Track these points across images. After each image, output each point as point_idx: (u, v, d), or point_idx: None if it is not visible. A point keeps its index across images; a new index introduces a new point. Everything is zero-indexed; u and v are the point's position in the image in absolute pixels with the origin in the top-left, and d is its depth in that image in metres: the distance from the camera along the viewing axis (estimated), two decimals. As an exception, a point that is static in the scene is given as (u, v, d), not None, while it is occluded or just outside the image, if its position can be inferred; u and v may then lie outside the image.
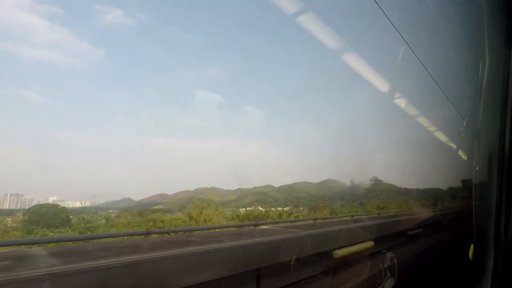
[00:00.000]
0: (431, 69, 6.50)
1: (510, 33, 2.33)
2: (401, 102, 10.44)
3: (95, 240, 6.06)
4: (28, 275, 2.55)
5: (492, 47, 2.88)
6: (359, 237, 6.53)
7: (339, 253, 5.27)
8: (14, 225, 37.57)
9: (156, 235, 7.11)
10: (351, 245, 5.71)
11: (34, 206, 44.26)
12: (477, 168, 3.67)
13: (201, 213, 31.42)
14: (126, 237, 10.13)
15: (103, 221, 46.24)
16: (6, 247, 4.87)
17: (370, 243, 6.29)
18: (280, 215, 47.52)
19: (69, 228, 39.29)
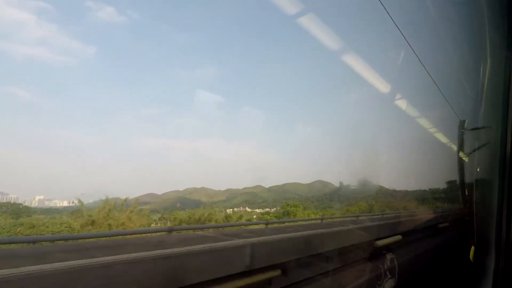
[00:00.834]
0: (431, 70, 6.51)
1: (510, 33, 2.34)
2: (401, 103, 10.46)
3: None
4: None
5: (493, 48, 2.89)
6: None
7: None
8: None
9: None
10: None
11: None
12: (478, 169, 3.68)
13: (108, 216, 25.07)
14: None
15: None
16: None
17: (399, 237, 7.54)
18: (226, 217, 43.34)
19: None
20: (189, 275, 3.21)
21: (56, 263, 2.63)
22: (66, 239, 8.21)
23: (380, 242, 6.54)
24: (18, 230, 25.03)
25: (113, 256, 3.04)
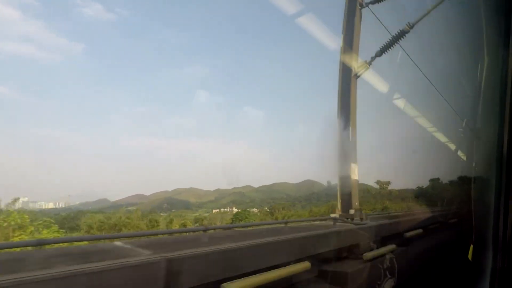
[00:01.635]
0: (429, 69, 6.52)
1: (508, 32, 2.34)
2: (399, 103, 10.47)
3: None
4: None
5: (491, 47, 2.89)
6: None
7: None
8: None
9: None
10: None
11: None
12: (476, 168, 3.68)
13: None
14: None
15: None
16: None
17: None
18: (151, 221, 40.60)
19: None
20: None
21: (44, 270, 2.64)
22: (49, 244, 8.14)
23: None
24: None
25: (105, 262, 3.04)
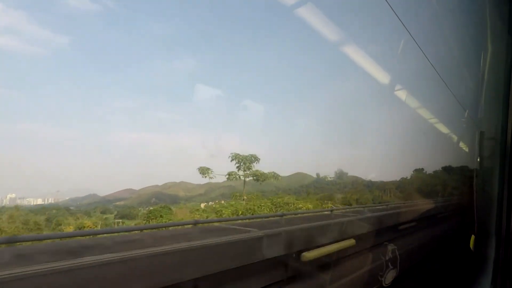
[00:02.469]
0: (432, 58, 6.43)
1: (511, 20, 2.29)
2: (401, 94, 10.39)
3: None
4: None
5: (495, 35, 2.83)
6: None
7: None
8: None
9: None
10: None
11: None
12: (478, 159, 3.65)
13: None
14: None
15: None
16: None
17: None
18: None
19: None
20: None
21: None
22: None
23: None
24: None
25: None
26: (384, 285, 6.44)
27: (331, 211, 9.33)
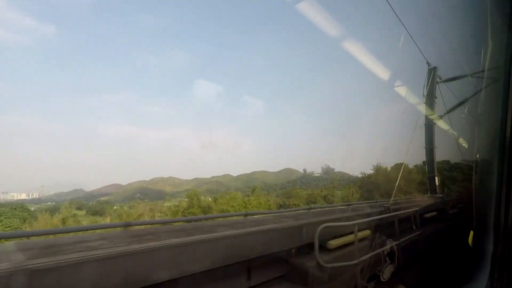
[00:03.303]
0: (432, 53, 6.42)
1: (513, 16, 2.28)
2: (401, 90, 10.38)
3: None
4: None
5: (495, 31, 2.83)
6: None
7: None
8: None
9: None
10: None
11: None
12: (477, 154, 3.66)
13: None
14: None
15: None
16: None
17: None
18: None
19: None
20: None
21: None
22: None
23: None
24: None
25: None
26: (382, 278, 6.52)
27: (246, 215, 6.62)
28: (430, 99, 13.81)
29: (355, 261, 5.80)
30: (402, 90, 10.53)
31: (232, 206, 46.34)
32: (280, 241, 5.45)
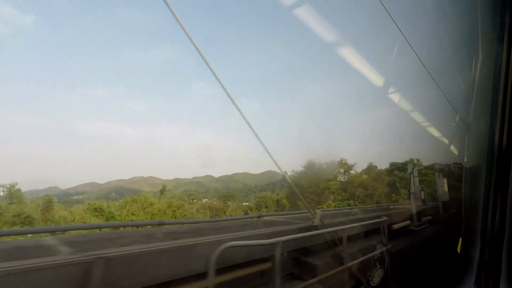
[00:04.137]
0: (425, 62, 6.53)
1: (503, 27, 2.35)
2: (394, 96, 10.51)
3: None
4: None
5: (486, 42, 2.90)
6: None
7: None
8: None
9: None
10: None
11: None
12: (467, 161, 3.73)
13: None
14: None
15: None
16: None
17: None
18: None
19: None
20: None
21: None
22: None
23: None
24: None
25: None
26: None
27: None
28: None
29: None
30: (395, 97, 10.66)
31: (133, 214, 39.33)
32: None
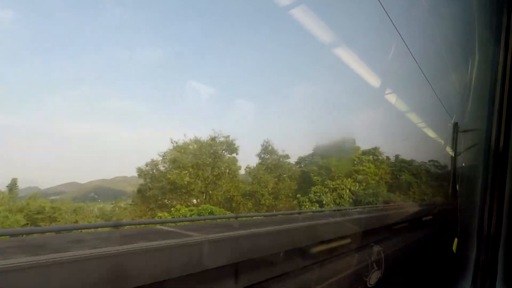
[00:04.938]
0: (421, 64, 6.55)
1: (500, 29, 2.36)
2: (391, 98, 10.54)
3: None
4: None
5: (482, 43, 2.91)
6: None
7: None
8: None
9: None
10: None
11: None
12: (463, 164, 3.74)
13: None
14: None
15: None
16: None
17: None
18: None
19: None
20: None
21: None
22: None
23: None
24: None
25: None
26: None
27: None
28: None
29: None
30: (392, 98, 10.70)
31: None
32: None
